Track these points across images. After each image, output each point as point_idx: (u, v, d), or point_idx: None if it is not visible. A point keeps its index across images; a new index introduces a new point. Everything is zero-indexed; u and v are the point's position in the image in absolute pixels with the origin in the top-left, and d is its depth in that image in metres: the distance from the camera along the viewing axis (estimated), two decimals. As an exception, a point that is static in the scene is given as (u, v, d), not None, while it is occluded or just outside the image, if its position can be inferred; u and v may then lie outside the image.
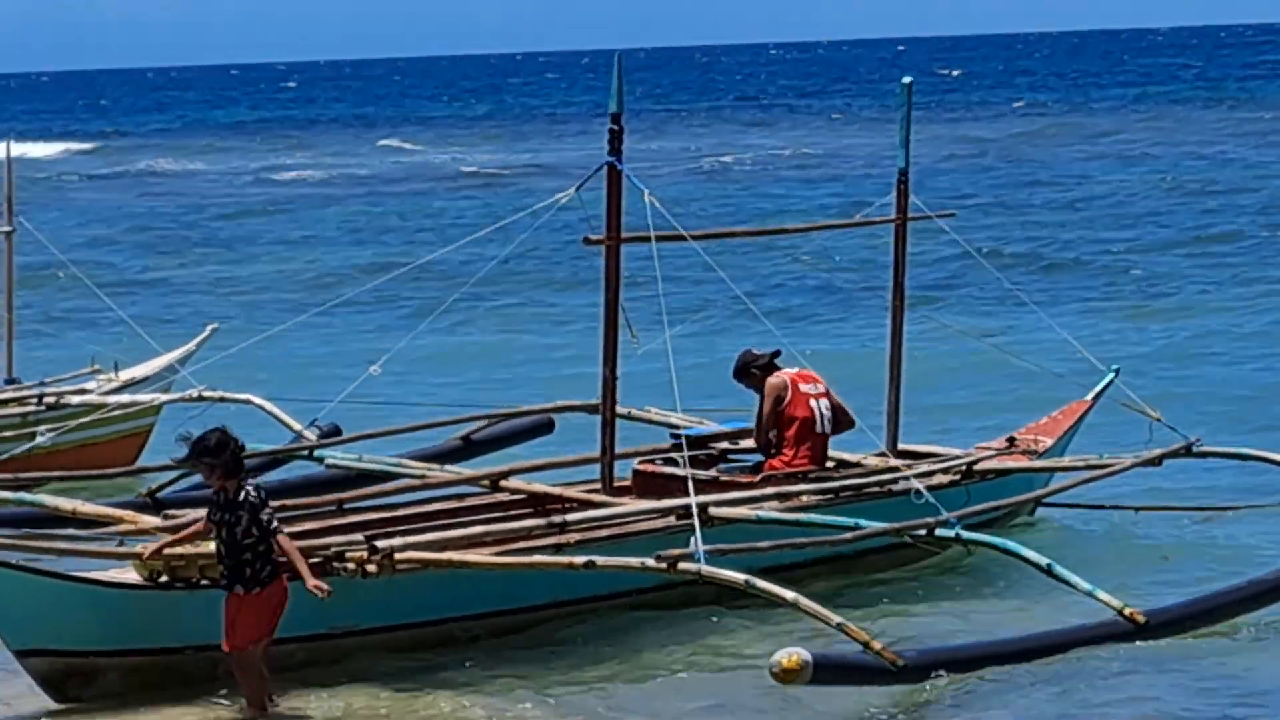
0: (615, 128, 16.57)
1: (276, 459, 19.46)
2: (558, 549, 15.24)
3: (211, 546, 13.77)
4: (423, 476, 17.96)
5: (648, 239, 16.69)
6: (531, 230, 19.48)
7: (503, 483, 17.35)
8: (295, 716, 13.69)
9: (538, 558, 15.01)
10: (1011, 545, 15.77)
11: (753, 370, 17.65)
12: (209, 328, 25.56)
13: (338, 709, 13.88)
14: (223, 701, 13.84)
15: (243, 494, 13.42)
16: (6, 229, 24.58)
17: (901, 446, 18.43)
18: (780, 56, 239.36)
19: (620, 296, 17.10)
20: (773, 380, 17.48)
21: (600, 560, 14.73)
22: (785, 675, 13.00)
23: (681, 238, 17.01)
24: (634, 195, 16.59)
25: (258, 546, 13.38)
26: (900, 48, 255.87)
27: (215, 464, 13.38)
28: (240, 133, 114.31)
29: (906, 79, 19.14)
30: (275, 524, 13.47)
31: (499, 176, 70.93)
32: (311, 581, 13.29)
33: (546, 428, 20.30)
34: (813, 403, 17.40)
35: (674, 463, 17.45)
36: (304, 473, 19.21)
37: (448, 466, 18.75)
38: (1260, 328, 31.57)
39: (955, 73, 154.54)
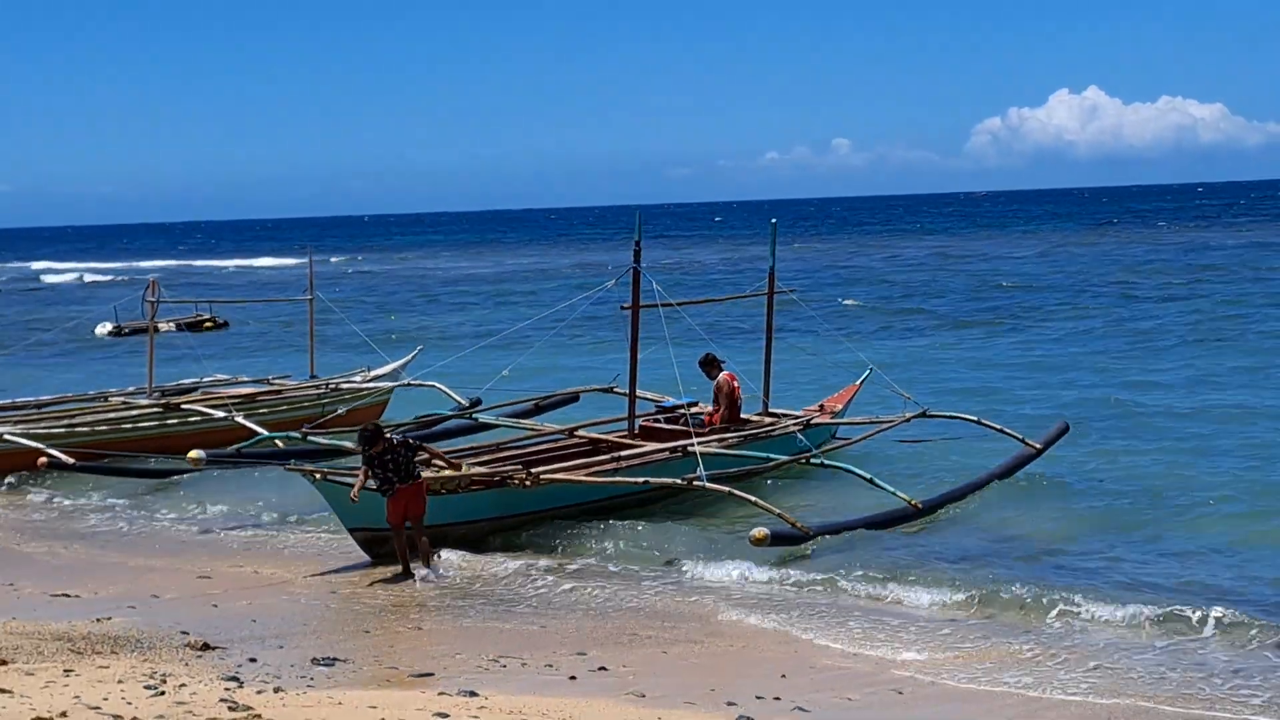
0: (637, 248, 16.24)
1: (450, 418, 18.97)
2: (616, 471, 14.90)
3: (445, 474, 13.68)
4: (532, 429, 17.52)
5: (655, 306, 16.37)
6: (587, 303, 19.12)
7: (575, 433, 16.98)
8: (460, 570, 13.08)
9: (617, 478, 14.65)
10: (849, 466, 15.31)
11: (718, 363, 17.14)
12: (417, 348, 25.49)
13: (508, 564, 13.27)
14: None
15: (395, 441, 13.07)
16: (309, 298, 24.15)
17: (771, 409, 17.87)
18: (703, 212, 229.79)
19: (639, 336, 16.61)
20: (726, 376, 17.00)
21: (654, 480, 14.39)
22: (757, 541, 12.56)
23: (671, 304, 16.58)
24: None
25: (411, 459, 13.03)
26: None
27: (376, 441, 13.05)
28: (418, 248, 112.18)
29: (774, 220, 18.60)
30: (416, 449, 13.21)
31: (556, 272, 69.92)
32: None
33: (574, 399, 19.94)
34: (739, 387, 17.04)
35: (660, 421, 17.15)
36: (456, 423, 18.67)
37: (539, 420, 18.39)
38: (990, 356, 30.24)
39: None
